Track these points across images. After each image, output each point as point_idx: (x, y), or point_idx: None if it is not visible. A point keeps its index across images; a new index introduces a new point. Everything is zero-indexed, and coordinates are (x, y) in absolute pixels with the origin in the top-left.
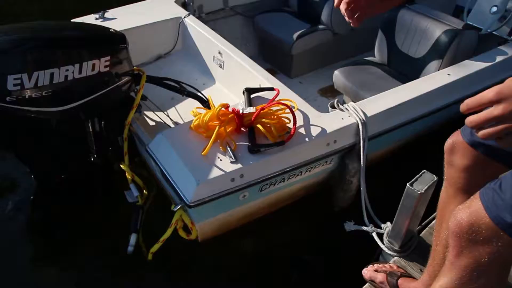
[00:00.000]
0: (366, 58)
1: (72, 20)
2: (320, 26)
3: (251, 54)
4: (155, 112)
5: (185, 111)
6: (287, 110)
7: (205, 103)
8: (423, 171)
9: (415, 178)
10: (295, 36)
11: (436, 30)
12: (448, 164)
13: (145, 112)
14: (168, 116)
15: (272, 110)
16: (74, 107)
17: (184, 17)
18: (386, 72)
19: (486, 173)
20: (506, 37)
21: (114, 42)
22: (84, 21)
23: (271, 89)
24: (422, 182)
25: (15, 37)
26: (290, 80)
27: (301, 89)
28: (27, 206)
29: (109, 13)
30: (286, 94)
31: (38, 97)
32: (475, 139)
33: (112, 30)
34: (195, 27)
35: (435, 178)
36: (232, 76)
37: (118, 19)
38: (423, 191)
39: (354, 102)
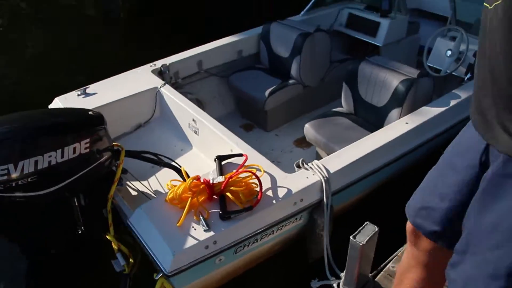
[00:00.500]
0: (334, 110)
1: (56, 98)
2: (291, 81)
3: (229, 111)
4: (136, 183)
5: (164, 179)
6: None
7: (181, 173)
8: (366, 223)
9: (358, 230)
10: (267, 93)
11: (393, 80)
12: (411, 242)
13: (127, 182)
14: (148, 185)
15: (240, 177)
16: (58, 188)
17: (160, 87)
18: (354, 121)
19: (447, 255)
20: (463, 76)
21: (93, 124)
22: (67, 99)
23: (240, 155)
24: (364, 234)
25: (1, 130)
26: (267, 133)
27: (277, 142)
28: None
29: (90, 89)
30: (254, 158)
31: (24, 184)
32: (419, 224)
33: (90, 113)
34: (171, 96)
35: (376, 229)
36: (207, 141)
37: (99, 94)
38: (364, 243)
39: (326, 153)
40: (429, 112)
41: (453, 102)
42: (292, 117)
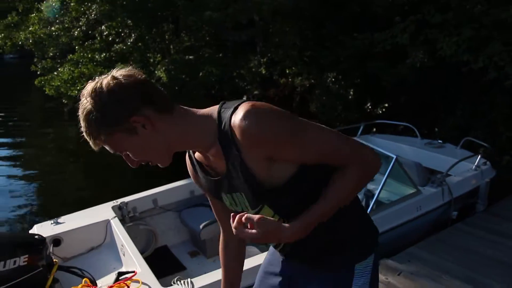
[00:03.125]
0: None
1: (35, 225)
2: None
3: (183, 240)
4: None
5: None
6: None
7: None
8: None
9: None
10: (201, 225)
11: None
12: None
13: None
14: None
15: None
16: None
17: (111, 219)
18: None
19: None
20: None
21: (33, 244)
22: (43, 226)
23: (133, 271)
24: None
25: None
26: (207, 259)
27: (214, 267)
28: None
29: (61, 219)
30: (144, 276)
31: None
32: None
33: (36, 236)
34: (115, 227)
35: None
36: (130, 263)
37: (66, 223)
38: None
39: None
40: None
41: None
42: None
